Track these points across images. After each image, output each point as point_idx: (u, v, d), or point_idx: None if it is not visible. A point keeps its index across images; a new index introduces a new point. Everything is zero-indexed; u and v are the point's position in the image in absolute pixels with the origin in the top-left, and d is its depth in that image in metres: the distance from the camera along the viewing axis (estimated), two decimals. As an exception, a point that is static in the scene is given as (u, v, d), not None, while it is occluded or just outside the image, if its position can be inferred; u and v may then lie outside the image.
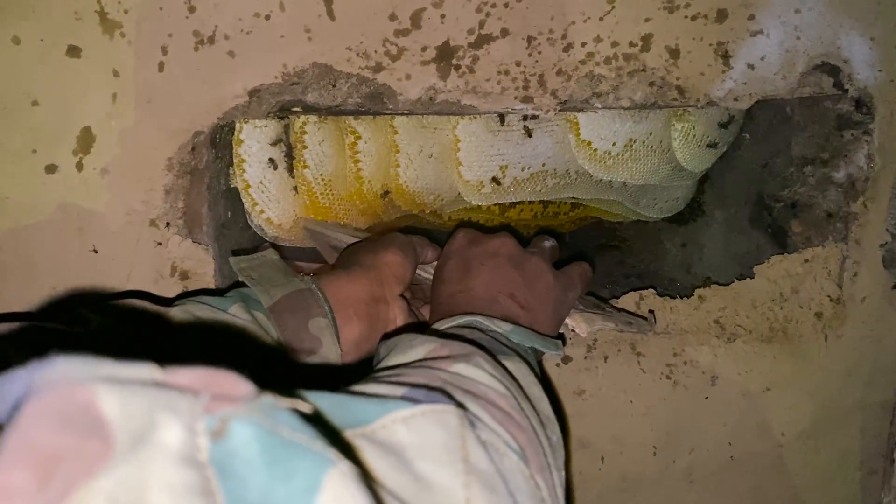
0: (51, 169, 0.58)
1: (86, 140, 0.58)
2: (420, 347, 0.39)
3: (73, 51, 0.56)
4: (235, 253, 0.59)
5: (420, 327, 0.58)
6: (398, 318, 0.56)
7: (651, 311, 0.74)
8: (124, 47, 0.57)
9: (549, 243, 0.63)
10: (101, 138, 0.58)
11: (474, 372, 0.35)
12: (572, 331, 0.62)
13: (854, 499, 0.76)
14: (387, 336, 0.47)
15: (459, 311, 0.51)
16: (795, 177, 0.78)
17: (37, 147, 0.57)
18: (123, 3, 0.56)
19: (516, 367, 0.41)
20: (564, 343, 0.54)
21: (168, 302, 0.48)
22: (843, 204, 0.74)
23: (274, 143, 0.67)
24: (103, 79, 0.57)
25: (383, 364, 0.39)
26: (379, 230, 0.80)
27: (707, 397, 0.74)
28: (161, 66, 0.57)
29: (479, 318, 0.48)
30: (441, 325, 0.48)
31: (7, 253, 0.58)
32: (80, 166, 0.58)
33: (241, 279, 0.52)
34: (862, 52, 0.68)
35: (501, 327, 0.48)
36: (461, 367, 0.35)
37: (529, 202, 0.84)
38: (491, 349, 0.42)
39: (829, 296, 0.74)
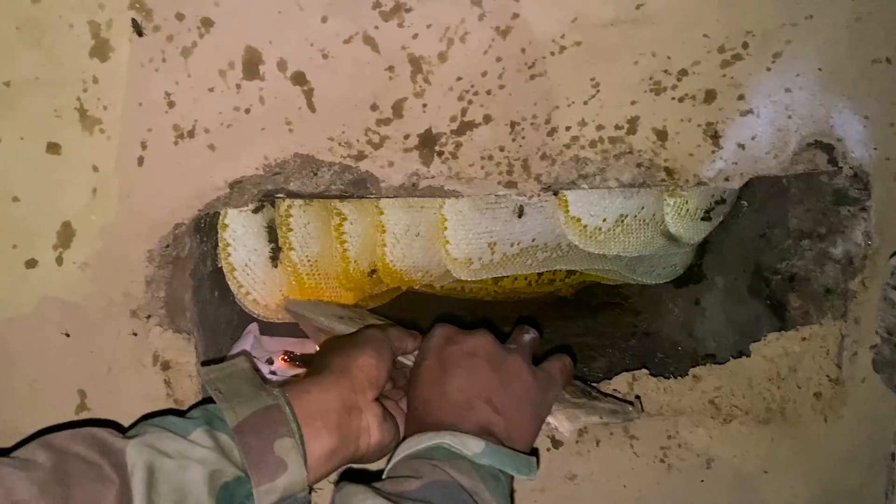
0: (31, 264, 0.58)
1: (66, 234, 0.58)
2: None
3: (53, 147, 0.56)
4: (206, 363, 0.59)
5: (395, 432, 0.57)
6: (371, 425, 0.54)
7: (637, 397, 0.72)
8: (104, 143, 0.57)
9: (528, 336, 0.62)
10: (81, 232, 0.58)
11: None
12: (555, 428, 0.61)
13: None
14: (348, 473, 0.47)
15: (432, 421, 0.50)
16: (793, 250, 0.77)
17: (17, 242, 0.57)
18: (102, 99, 0.56)
19: None
20: (538, 461, 0.53)
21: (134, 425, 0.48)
22: (841, 281, 0.72)
23: (258, 228, 0.66)
24: (83, 174, 0.57)
25: None
26: (369, 303, 0.80)
27: (702, 480, 0.72)
28: (140, 161, 0.58)
29: (447, 440, 0.47)
30: (407, 449, 0.48)
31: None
32: (59, 260, 0.58)
33: (209, 392, 0.51)
34: (856, 130, 0.67)
35: (472, 449, 0.47)
36: None
37: (523, 273, 0.83)
38: (450, 497, 0.41)
39: (827, 375, 0.72)
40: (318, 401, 0.52)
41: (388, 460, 0.51)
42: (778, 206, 0.78)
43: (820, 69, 0.64)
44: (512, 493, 0.52)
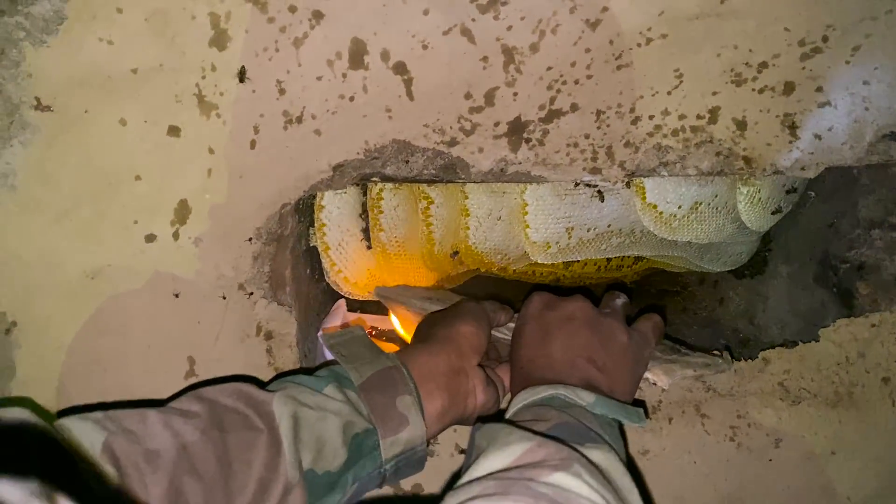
0: (150, 238, 0.62)
1: (182, 212, 0.62)
2: (516, 445, 0.42)
3: (174, 130, 0.61)
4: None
5: (497, 394, 0.61)
6: (477, 388, 0.58)
7: (727, 348, 0.75)
8: (219, 127, 0.61)
9: (620, 300, 0.65)
10: (196, 210, 0.62)
11: (573, 483, 0.37)
12: (653, 383, 0.64)
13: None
14: (482, 419, 0.50)
15: (539, 376, 0.54)
16: (862, 239, 0.78)
17: (138, 218, 0.62)
18: (219, 86, 0.60)
19: (606, 458, 0.43)
20: (647, 413, 0.56)
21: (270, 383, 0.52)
22: (911, 269, 0.74)
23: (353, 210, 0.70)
24: (200, 156, 0.61)
25: (482, 459, 0.41)
26: (446, 284, 0.83)
27: (771, 459, 0.74)
28: (253, 144, 0.62)
29: (560, 391, 0.50)
30: (525, 399, 0.51)
31: (107, 315, 0.63)
32: (176, 236, 0.63)
33: (332, 356, 0.55)
34: (933, 121, 0.68)
35: (585, 399, 0.50)
36: (560, 478, 0.37)
37: (594, 258, 0.86)
38: (579, 435, 0.44)
39: (896, 361, 0.73)
40: (429, 364, 0.56)
41: (506, 411, 0.54)
42: (847, 196, 0.80)
43: (898, 62, 0.66)
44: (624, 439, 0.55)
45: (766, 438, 0.74)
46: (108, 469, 0.40)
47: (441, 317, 0.63)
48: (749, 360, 0.75)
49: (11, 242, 0.61)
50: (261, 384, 0.52)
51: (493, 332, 0.65)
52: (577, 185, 0.74)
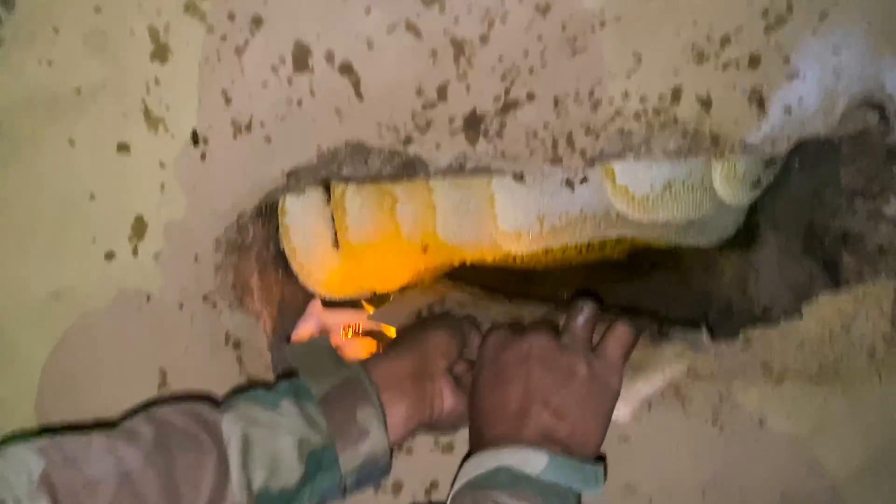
0: (109, 256, 0.63)
1: (139, 227, 0.62)
2: None
3: (123, 147, 0.60)
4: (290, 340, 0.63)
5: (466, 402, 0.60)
6: (444, 391, 0.59)
7: (707, 322, 0.73)
8: (168, 141, 0.60)
9: (582, 318, 0.59)
10: (152, 225, 0.62)
11: None
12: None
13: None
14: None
15: (490, 434, 0.52)
16: (845, 208, 0.76)
17: (96, 236, 0.62)
18: (164, 99, 0.60)
19: None
20: (606, 469, 0.53)
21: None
22: (894, 238, 0.71)
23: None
24: (151, 171, 0.61)
25: None
26: (421, 280, 0.83)
27: (755, 440, 0.73)
28: (203, 156, 0.61)
29: (506, 462, 0.49)
30: (468, 475, 0.50)
31: (76, 334, 0.64)
32: (135, 252, 0.63)
33: (294, 366, 0.56)
34: (908, 87, 0.65)
35: (534, 466, 0.48)
36: None
37: (573, 241, 0.85)
38: None
39: (882, 334, 0.72)
40: (393, 368, 0.56)
41: (452, 485, 0.52)
42: (829, 166, 0.77)
43: (870, 27, 0.63)
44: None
45: (750, 419, 0.73)
46: (43, 499, 0.41)
47: (413, 327, 0.63)
48: (730, 341, 0.74)
49: (-26, 268, 0.62)
50: (218, 403, 0.52)
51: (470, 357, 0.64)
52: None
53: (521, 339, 0.57)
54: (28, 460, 0.42)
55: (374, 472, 0.54)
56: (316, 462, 0.51)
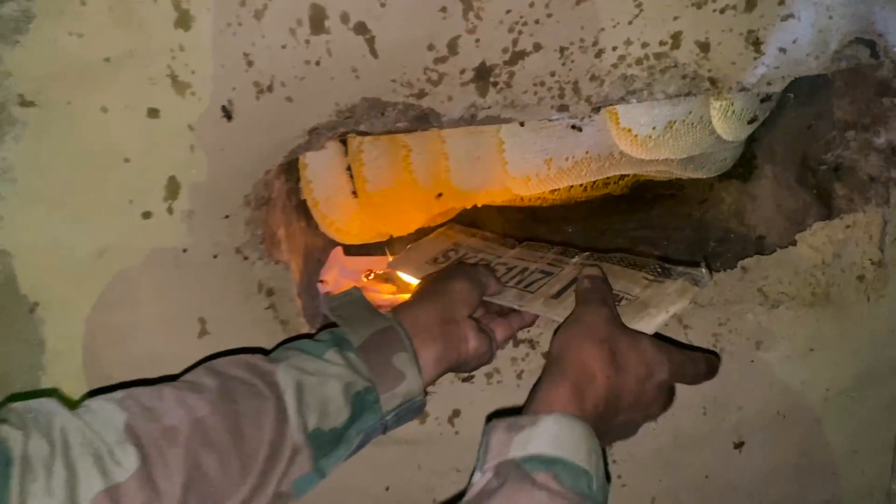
0: (146, 215, 0.66)
1: (173, 188, 0.66)
2: None
3: (153, 112, 0.63)
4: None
5: (489, 342, 0.66)
6: (469, 335, 0.64)
7: (706, 259, 0.78)
8: (195, 104, 0.63)
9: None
10: (185, 185, 0.66)
11: None
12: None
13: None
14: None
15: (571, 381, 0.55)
16: (838, 140, 0.80)
17: (132, 198, 0.66)
18: (190, 64, 0.62)
19: None
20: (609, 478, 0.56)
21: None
22: (884, 169, 0.75)
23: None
24: (181, 133, 0.64)
25: None
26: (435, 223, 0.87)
27: (752, 361, 0.79)
28: (229, 116, 0.64)
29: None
30: (504, 452, 0.50)
31: (118, 290, 0.68)
32: (170, 210, 0.66)
33: (332, 319, 0.61)
34: (897, 23, 0.68)
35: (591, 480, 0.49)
36: None
37: (578, 180, 0.89)
38: None
39: (870, 259, 0.77)
40: (421, 317, 0.62)
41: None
42: (823, 99, 0.81)
43: (861, -34, 0.66)
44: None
45: (748, 342, 0.78)
46: (130, 447, 0.46)
47: (436, 276, 0.68)
48: (728, 270, 0.79)
49: (20, 231, 0.66)
50: (267, 352, 0.58)
51: (495, 299, 0.70)
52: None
53: (644, 344, 0.60)
54: (112, 412, 0.48)
55: (411, 410, 0.60)
56: (360, 404, 0.57)
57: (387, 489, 0.79)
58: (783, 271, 0.78)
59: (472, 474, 0.51)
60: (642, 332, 0.62)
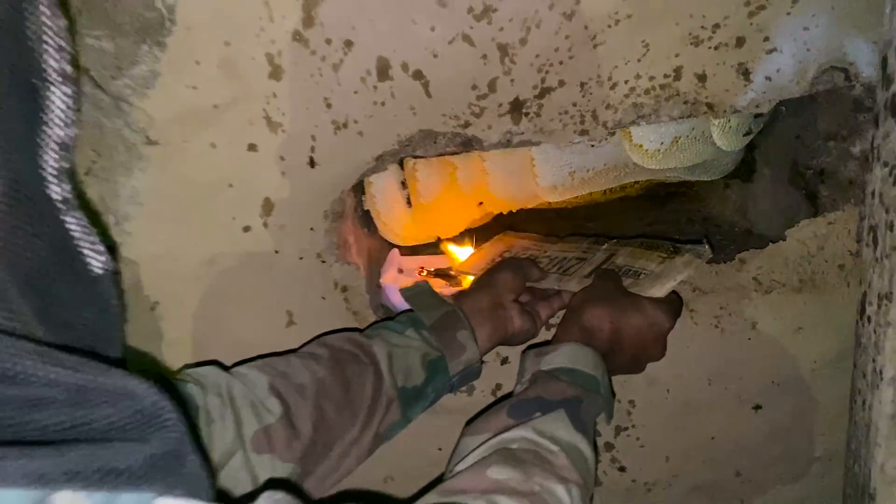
0: (246, 229, 0.82)
1: (267, 207, 0.81)
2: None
3: (252, 146, 0.78)
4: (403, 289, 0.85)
5: (532, 321, 0.82)
6: (514, 317, 0.81)
7: (707, 238, 0.92)
8: (285, 139, 0.78)
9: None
10: (277, 204, 0.81)
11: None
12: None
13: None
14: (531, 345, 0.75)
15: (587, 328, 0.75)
16: (822, 149, 0.93)
17: (235, 215, 0.81)
18: (280, 108, 0.77)
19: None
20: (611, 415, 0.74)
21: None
22: (860, 174, 0.88)
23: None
24: (274, 162, 0.79)
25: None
26: (476, 223, 1.02)
27: (749, 338, 0.93)
28: (312, 149, 0.79)
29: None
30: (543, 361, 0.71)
31: (222, 289, 0.84)
32: (266, 225, 0.82)
33: (409, 306, 0.78)
34: (865, 54, 0.81)
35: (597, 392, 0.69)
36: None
37: (597, 186, 1.03)
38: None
39: (849, 251, 0.90)
40: (476, 302, 0.79)
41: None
42: (809, 113, 0.94)
43: (833, 8, 0.79)
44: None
45: (745, 323, 0.92)
46: (274, 399, 0.62)
47: (487, 271, 0.84)
48: (727, 262, 0.93)
49: (145, 244, 0.81)
50: (359, 331, 0.75)
51: (541, 283, 0.86)
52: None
53: (641, 302, 0.79)
54: (257, 375, 0.64)
55: (470, 374, 0.77)
56: (433, 368, 0.73)
57: (439, 449, 0.95)
58: (775, 262, 0.91)
59: (514, 388, 0.72)
60: (641, 295, 0.80)
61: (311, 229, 0.83)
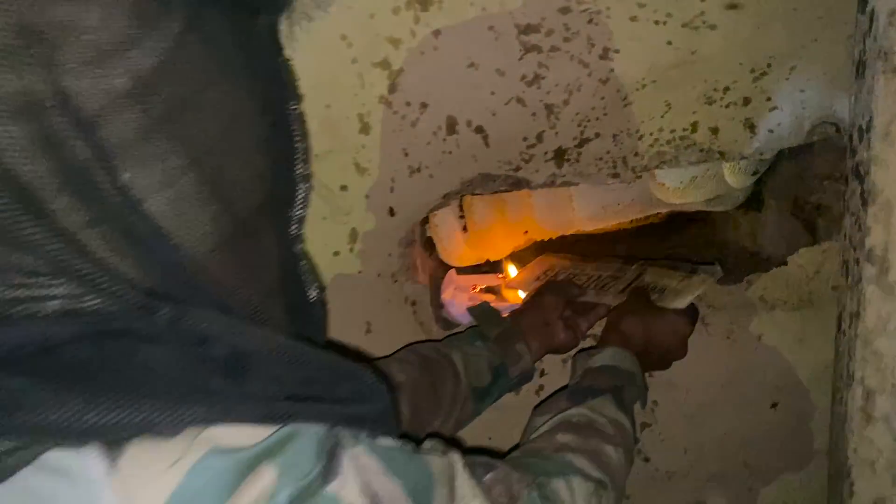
0: (336, 254, 0.99)
1: (353, 235, 0.98)
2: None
3: (343, 187, 0.96)
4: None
5: (574, 334, 0.99)
6: (559, 332, 0.98)
7: (719, 260, 1.08)
8: (371, 181, 0.96)
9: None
10: (361, 234, 0.98)
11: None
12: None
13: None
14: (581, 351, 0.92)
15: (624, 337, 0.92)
16: (819, 187, 1.09)
17: (327, 243, 0.99)
18: (368, 156, 0.95)
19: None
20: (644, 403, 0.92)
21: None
22: (850, 209, 1.04)
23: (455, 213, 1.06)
24: (361, 201, 0.96)
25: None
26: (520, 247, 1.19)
27: (756, 349, 1.08)
28: (392, 189, 0.97)
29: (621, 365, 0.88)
30: (604, 360, 0.88)
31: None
32: (351, 250, 0.99)
33: (475, 321, 0.94)
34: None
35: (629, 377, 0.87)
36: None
37: (625, 216, 1.19)
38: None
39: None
40: (528, 319, 0.96)
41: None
42: (807, 157, 1.10)
43: (825, 73, 0.94)
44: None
45: (751, 335, 1.08)
46: None
47: (536, 292, 1.01)
48: (737, 283, 1.09)
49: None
50: (436, 341, 0.92)
51: (582, 298, 1.03)
52: (605, 179, 1.06)
53: (666, 314, 0.98)
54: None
55: (525, 378, 0.95)
56: (497, 372, 0.90)
57: (489, 438, 1.11)
58: (778, 283, 1.07)
59: (569, 382, 0.90)
60: (666, 308, 0.97)
61: (389, 255, 1.00)
